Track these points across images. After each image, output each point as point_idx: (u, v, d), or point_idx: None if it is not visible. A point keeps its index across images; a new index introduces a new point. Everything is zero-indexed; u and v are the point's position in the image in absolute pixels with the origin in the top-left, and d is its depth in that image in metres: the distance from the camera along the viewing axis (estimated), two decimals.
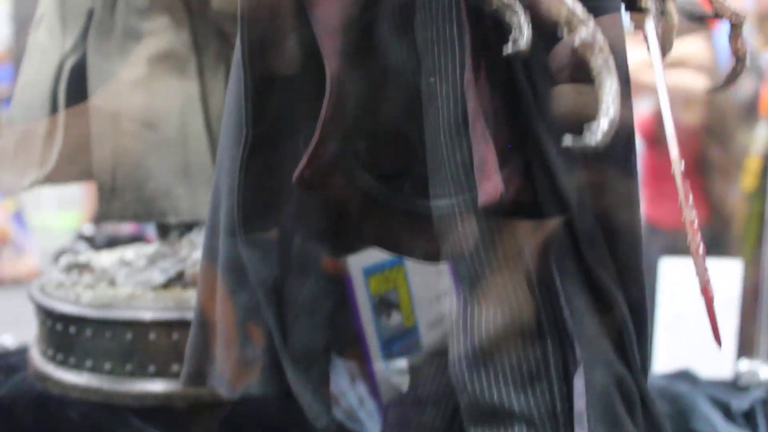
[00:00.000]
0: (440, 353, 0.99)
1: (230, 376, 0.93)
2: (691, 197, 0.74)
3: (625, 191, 0.82)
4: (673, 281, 1.74)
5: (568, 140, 0.67)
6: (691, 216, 0.74)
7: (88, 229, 2.13)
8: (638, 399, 0.81)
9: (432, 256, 0.94)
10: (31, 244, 4.59)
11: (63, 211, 4.73)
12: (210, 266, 0.94)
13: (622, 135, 0.79)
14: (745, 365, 1.71)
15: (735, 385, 1.64)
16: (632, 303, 0.81)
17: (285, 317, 0.90)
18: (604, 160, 0.78)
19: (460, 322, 0.85)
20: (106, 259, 1.42)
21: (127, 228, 2.31)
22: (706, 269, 0.76)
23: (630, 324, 0.81)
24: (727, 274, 1.73)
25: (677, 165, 0.74)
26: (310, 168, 0.84)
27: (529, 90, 0.78)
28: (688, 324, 1.71)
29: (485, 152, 0.76)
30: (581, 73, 0.75)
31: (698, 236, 0.75)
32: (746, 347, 1.93)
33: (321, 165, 0.84)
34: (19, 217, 4.62)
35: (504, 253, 0.82)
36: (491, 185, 0.76)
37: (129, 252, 1.43)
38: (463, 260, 0.83)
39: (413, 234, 0.94)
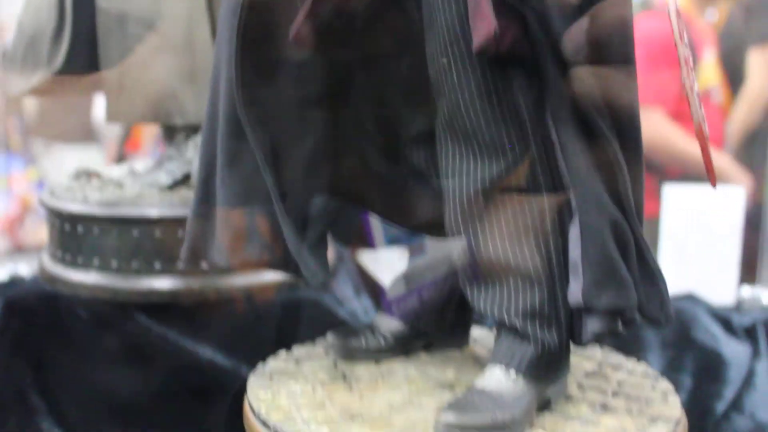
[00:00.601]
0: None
1: (230, 245, 0.94)
2: (686, 35, 0.75)
3: (620, 39, 0.82)
4: (676, 208, 1.75)
5: None
6: (686, 53, 0.75)
7: None
8: (633, 243, 0.82)
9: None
10: None
11: None
12: (211, 136, 0.95)
13: None
14: (748, 291, 1.72)
15: (737, 310, 1.64)
16: (627, 149, 0.82)
17: (283, 179, 0.91)
18: (600, 11, 0.80)
19: (455, 176, 0.87)
20: (115, 171, 1.44)
21: None
22: (700, 108, 0.77)
23: (625, 169, 0.81)
24: (730, 201, 1.74)
25: (672, 2, 0.75)
26: (307, 25, 0.85)
27: None
28: (691, 251, 1.72)
29: None
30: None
31: (692, 74, 0.76)
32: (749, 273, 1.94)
33: (317, 22, 0.85)
34: (41, 186, 4.64)
35: (499, 103, 0.83)
36: (485, 25, 0.77)
37: (138, 164, 1.45)
38: (458, 111, 0.84)
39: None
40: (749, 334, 1.48)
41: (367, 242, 1.25)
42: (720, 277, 1.71)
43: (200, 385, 1.23)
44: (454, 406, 0.83)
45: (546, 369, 0.86)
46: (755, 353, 1.42)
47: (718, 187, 1.86)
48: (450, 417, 0.81)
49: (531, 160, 0.84)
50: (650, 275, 0.84)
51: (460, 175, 0.86)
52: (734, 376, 1.34)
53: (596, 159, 0.81)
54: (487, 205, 0.86)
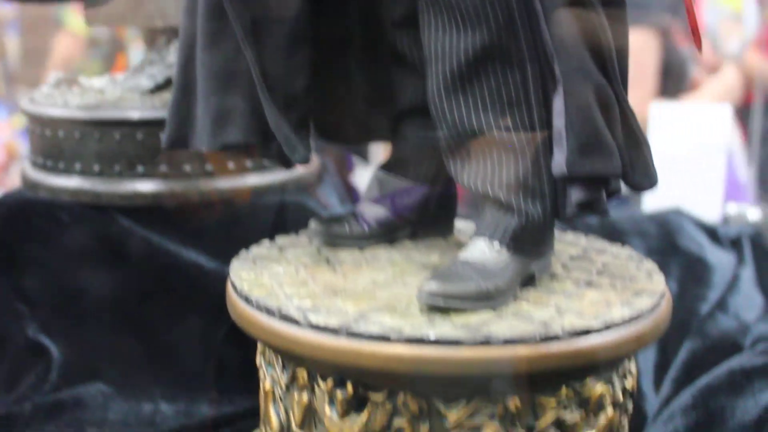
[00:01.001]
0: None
1: (211, 127, 0.93)
2: None
3: None
4: (663, 126, 1.74)
5: None
6: None
7: None
8: (617, 109, 0.82)
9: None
10: None
11: None
12: (191, 20, 0.93)
13: None
14: (734, 208, 1.72)
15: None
16: (613, 15, 0.81)
17: (264, 58, 0.90)
18: None
19: (438, 49, 0.85)
20: (96, 81, 1.42)
21: None
22: None
23: (609, 34, 0.80)
24: (716, 119, 1.73)
25: None
26: None
27: None
28: (678, 168, 1.72)
29: None
30: None
31: None
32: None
33: None
34: (25, 133, 4.59)
35: None
36: None
37: (119, 75, 1.43)
38: None
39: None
40: (734, 244, 1.48)
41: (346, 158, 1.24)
42: (706, 195, 1.72)
43: (184, 287, 1.22)
44: (438, 275, 0.82)
45: (530, 241, 0.86)
46: (740, 261, 1.42)
47: (705, 105, 1.86)
48: (433, 286, 0.80)
49: (514, 29, 0.83)
50: (635, 141, 0.83)
51: (443, 47, 0.85)
52: (719, 280, 1.35)
53: (581, 27, 0.80)
54: (470, 76, 0.84)
